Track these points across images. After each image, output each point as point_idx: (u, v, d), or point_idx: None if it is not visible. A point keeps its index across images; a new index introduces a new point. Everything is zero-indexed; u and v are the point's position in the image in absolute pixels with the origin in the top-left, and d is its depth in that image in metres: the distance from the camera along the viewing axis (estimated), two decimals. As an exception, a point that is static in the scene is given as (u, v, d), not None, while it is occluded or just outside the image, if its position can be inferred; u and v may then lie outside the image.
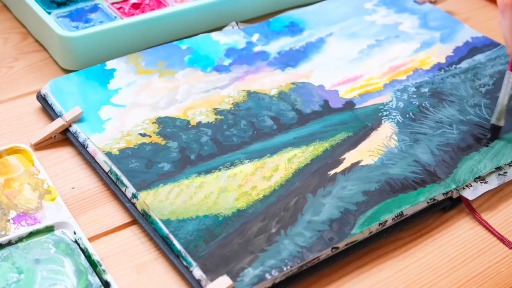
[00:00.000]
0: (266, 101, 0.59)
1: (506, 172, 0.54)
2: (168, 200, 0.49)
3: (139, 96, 0.59)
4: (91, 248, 0.46)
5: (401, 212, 0.50)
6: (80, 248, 0.46)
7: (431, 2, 0.75)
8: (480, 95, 0.62)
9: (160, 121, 0.57)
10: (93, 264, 0.45)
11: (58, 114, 0.57)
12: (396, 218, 0.50)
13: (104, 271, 0.44)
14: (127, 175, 0.51)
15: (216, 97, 0.60)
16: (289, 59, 0.65)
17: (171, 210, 0.49)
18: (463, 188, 0.52)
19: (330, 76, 0.63)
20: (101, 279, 0.44)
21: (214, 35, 0.67)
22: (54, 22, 0.64)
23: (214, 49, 0.65)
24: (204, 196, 0.50)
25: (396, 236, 0.50)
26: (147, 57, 0.64)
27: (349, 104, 0.60)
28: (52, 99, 0.58)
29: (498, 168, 0.54)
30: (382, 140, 0.56)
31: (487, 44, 0.68)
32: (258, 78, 0.62)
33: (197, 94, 0.60)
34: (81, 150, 0.55)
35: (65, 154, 0.56)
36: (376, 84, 0.63)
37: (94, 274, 0.44)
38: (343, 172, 0.52)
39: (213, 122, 0.57)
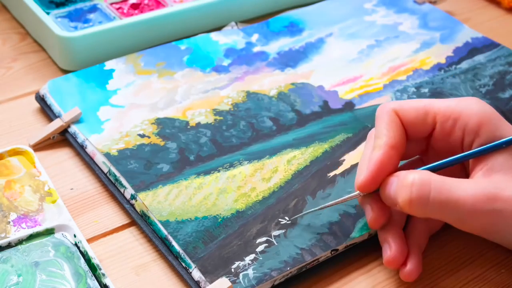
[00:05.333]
0: (265, 102, 0.59)
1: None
2: (167, 201, 0.49)
3: (138, 96, 0.59)
4: (91, 251, 0.45)
5: (401, 213, 0.50)
6: (80, 252, 0.46)
7: (431, 2, 0.75)
8: (480, 95, 0.61)
9: (159, 121, 0.56)
10: (93, 268, 0.45)
11: (57, 114, 0.57)
12: (396, 220, 0.50)
13: (103, 275, 0.44)
14: (126, 176, 0.51)
15: (215, 98, 0.59)
16: (288, 59, 0.65)
17: (170, 211, 0.48)
18: (463, 189, 0.52)
19: (330, 76, 0.63)
20: (100, 283, 0.44)
21: (213, 35, 0.67)
22: (52, 23, 0.64)
23: (213, 49, 0.65)
24: (203, 197, 0.50)
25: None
26: (146, 58, 0.63)
27: (349, 105, 0.60)
28: (50, 100, 0.58)
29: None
30: (381, 141, 0.55)
31: (487, 45, 0.68)
32: (257, 79, 0.62)
33: (196, 95, 0.60)
34: (80, 151, 0.55)
35: (64, 155, 0.55)
36: (376, 85, 0.62)
37: (94, 278, 0.44)
38: (343, 174, 0.52)
39: (212, 123, 0.57)
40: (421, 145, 0.47)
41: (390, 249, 0.45)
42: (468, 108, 0.44)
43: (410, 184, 0.42)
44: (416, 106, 0.46)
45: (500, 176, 0.42)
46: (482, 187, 0.41)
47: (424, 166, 0.45)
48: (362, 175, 0.44)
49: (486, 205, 0.41)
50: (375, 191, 0.45)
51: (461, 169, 0.48)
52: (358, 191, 0.45)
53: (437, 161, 0.45)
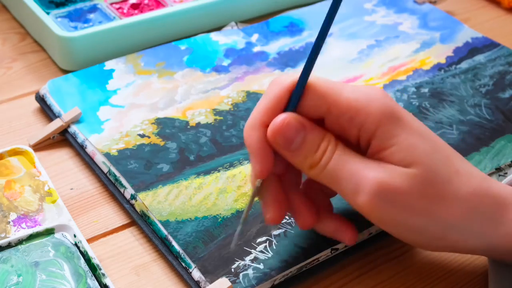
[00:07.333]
0: (265, 102, 0.59)
1: (506, 173, 0.54)
2: (167, 201, 0.49)
3: (138, 96, 0.59)
4: (90, 251, 0.45)
5: (401, 213, 0.49)
6: (80, 251, 0.46)
7: (431, 2, 0.75)
8: (480, 95, 0.61)
9: (159, 121, 0.56)
10: (93, 268, 0.45)
11: (57, 114, 0.57)
12: (396, 219, 0.49)
13: (103, 274, 0.44)
14: (126, 176, 0.51)
15: (215, 98, 0.59)
16: (288, 59, 0.65)
17: (170, 211, 0.48)
18: (463, 189, 0.52)
19: (330, 76, 0.63)
20: (100, 283, 0.44)
21: (213, 35, 0.67)
22: (52, 23, 0.64)
23: (213, 49, 0.65)
24: (203, 197, 0.50)
25: (396, 237, 0.50)
26: (146, 58, 0.63)
27: (349, 105, 0.60)
28: (50, 100, 0.58)
29: (498, 169, 0.54)
30: (381, 141, 0.55)
31: (487, 45, 0.68)
32: (257, 79, 0.62)
33: (196, 95, 0.60)
34: (80, 151, 0.55)
35: (64, 155, 0.55)
36: (376, 85, 0.62)
37: (94, 278, 0.44)
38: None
39: (212, 123, 0.57)
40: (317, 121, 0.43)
41: (270, 211, 0.43)
42: (367, 107, 0.40)
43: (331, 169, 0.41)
44: (312, 89, 0.41)
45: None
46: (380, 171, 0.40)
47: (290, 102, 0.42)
48: (253, 168, 0.42)
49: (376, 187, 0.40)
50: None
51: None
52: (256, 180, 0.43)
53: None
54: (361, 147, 0.42)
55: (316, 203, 0.45)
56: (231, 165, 0.53)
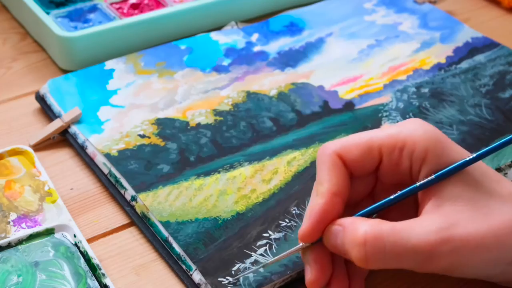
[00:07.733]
0: (265, 102, 0.59)
1: (506, 173, 0.54)
2: (167, 202, 0.49)
3: (138, 96, 0.59)
4: (90, 251, 0.46)
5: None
6: (80, 252, 0.46)
7: (430, 2, 0.75)
8: (480, 95, 0.61)
9: (159, 122, 0.56)
10: (93, 268, 0.45)
11: (57, 114, 0.57)
12: (396, 220, 0.50)
13: (103, 274, 0.44)
14: (126, 177, 0.51)
15: (216, 98, 0.59)
16: (288, 59, 0.65)
17: (170, 212, 0.48)
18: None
19: (330, 76, 0.63)
20: (100, 283, 0.44)
21: (213, 35, 0.67)
22: (52, 23, 0.64)
23: (213, 49, 0.65)
24: (203, 199, 0.50)
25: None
26: (146, 57, 0.63)
27: (349, 105, 0.60)
28: (50, 100, 0.58)
29: (498, 169, 0.54)
30: (382, 141, 0.55)
31: (487, 45, 0.68)
32: (257, 79, 0.62)
33: (196, 95, 0.60)
34: (80, 151, 0.55)
35: (64, 155, 0.55)
36: (376, 85, 0.62)
37: (94, 278, 0.44)
38: (343, 174, 0.52)
39: (213, 124, 0.57)
40: (369, 180, 0.44)
41: (311, 272, 0.42)
42: (412, 135, 0.42)
43: (363, 241, 0.39)
44: (358, 143, 0.43)
45: (449, 207, 0.40)
46: (435, 227, 0.39)
47: (366, 209, 0.42)
48: (303, 225, 0.42)
49: (443, 247, 0.39)
50: (318, 241, 0.42)
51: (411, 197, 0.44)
52: (301, 242, 0.42)
53: (386, 195, 0.42)
54: (414, 179, 0.42)
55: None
56: (231, 166, 0.53)
